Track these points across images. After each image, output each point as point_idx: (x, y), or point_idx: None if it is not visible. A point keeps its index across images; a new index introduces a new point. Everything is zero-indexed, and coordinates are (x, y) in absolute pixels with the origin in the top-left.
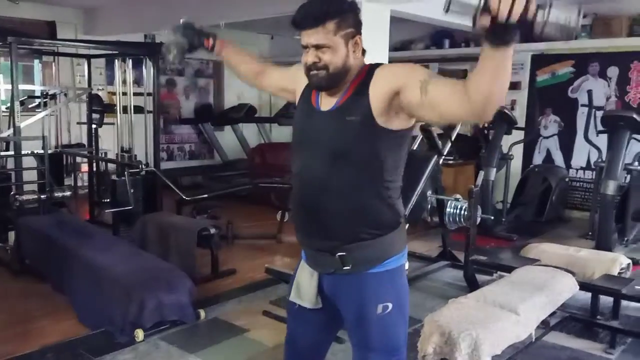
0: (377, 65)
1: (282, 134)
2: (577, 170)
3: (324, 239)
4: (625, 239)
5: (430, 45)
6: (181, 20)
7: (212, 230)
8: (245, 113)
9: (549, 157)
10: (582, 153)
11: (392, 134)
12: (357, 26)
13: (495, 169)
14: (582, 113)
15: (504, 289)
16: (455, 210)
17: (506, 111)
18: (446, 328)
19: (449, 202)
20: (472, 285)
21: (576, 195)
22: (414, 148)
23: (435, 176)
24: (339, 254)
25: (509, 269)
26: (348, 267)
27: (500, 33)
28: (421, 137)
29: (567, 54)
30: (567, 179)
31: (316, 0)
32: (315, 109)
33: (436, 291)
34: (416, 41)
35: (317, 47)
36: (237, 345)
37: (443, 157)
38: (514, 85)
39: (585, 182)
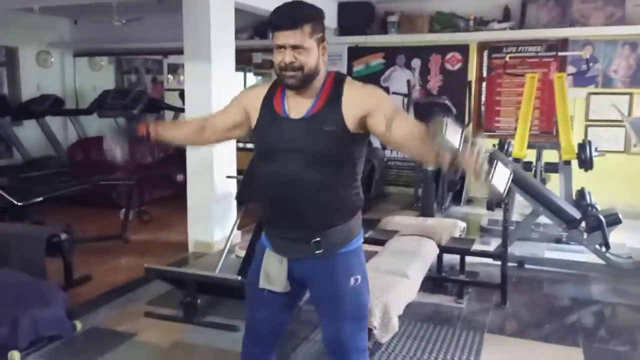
0: (343, 77)
1: (96, 127)
2: (391, 150)
3: (300, 229)
4: (443, 207)
5: (254, 35)
6: (111, 128)
7: (63, 236)
8: (51, 105)
9: None
10: None
11: (361, 136)
12: (324, 32)
13: None
14: (393, 100)
15: (388, 258)
16: None
17: None
18: None
19: None
20: None
21: (392, 173)
22: None
23: None
24: (315, 240)
25: (382, 242)
26: (320, 251)
27: (450, 169)
28: None
29: (378, 47)
30: (385, 159)
31: (292, 4)
32: (283, 116)
33: None
34: (239, 31)
35: (294, 47)
36: (129, 352)
37: None
38: None
39: (398, 161)
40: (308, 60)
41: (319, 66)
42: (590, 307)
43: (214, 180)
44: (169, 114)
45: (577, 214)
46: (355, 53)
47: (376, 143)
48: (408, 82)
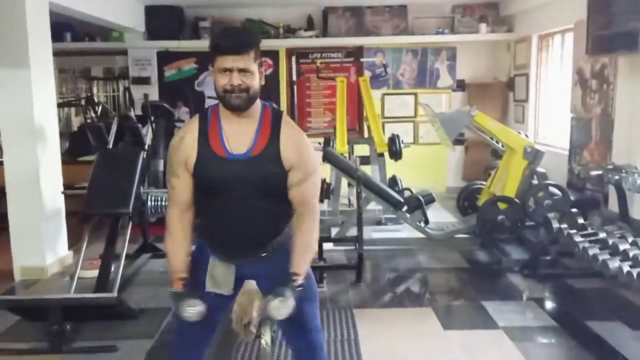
0: (280, 113)
1: None
2: None
3: (250, 247)
4: None
5: None
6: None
7: None
8: None
9: None
10: None
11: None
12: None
13: (162, 160)
14: (209, 104)
15: None
16: (156, 203)
17: (165, 105)
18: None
19: (149, 196)
20: None
21: None
22: (115, 146)
23: (142, 172)
24: (261, 248)
25: None
26: (265, 254)
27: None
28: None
29: (189, 52)
30: None
31: (235, 31)
32: (225, 156)
33: (162, 280)
34: None
35: (242, 71)
36: None
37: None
38: (145, 80)
39: None
40: (253, 83)
41: (258, 88)
42: (422, 273)
43: (42, 196)
44: None
45: (400, 198)
46: (165, 58)
47: None
48: None
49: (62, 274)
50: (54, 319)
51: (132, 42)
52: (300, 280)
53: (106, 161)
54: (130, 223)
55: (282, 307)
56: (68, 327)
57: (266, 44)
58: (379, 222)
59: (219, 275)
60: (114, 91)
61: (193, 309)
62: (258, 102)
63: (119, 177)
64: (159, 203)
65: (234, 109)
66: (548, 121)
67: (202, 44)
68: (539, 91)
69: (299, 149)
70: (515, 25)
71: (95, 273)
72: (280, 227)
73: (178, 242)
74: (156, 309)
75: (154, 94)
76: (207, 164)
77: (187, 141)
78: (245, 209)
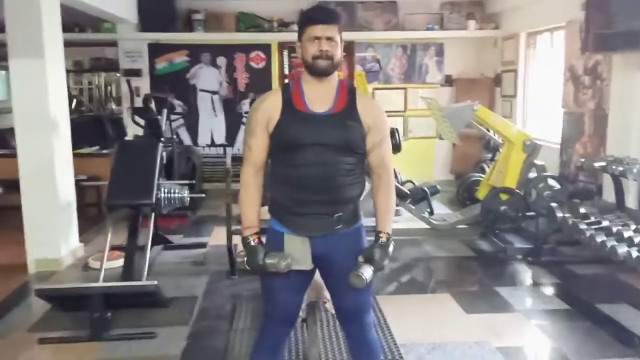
0: (353, 86)
1: None
2: (203, 147)
3: (327, 205)
4: None
5: None
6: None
7: None
8: None
9: (179, 139)
10: (206, 132)
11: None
12: None
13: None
14: (201, 98)
15: None
16: (170, 194)
17: (167, 97)
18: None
19: (163, 188)
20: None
21: (207, 170)
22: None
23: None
24: (337, 214)
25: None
26: (340, 226)
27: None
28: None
29: (181, 44)
30: (202, 157)
31: (324, 7)
32: (308, 113)
33: (180, 270)
34: None
35: (329, 39)
36: None
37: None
38: (136, 73)
39: (211, 157)
40: (337, 51)
41: (340, 60)
42: (432, 262)
43: (56, 188)
44: None
45: (406, 190)
46: (156, 50)
47: (186, 140)
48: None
49: (76, 265)
50: (96, 307)
51: (123, 34)
52: (385, 237)
53: (126, 152)
54: (153, 214)
55: (367, 271)
56: (109, 315)
57: (258, 37)
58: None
59: (297, 250)
60: (89, 83)
61: (282, 261)
62: (336, 74)
63: (139, 168)
64: (171, 195)
65: (320, 72)
66: (536, 116)
67: (195, 37)
68: (526, 87)
69: (375, 112)
70: (502, 23)
71: (114, 264)
72: (354, 193)
73: (252, 196)
74: (184, 298)
75: (145, 86)
76: (290, 120)
77: (270, 102)
78: (323, 166)
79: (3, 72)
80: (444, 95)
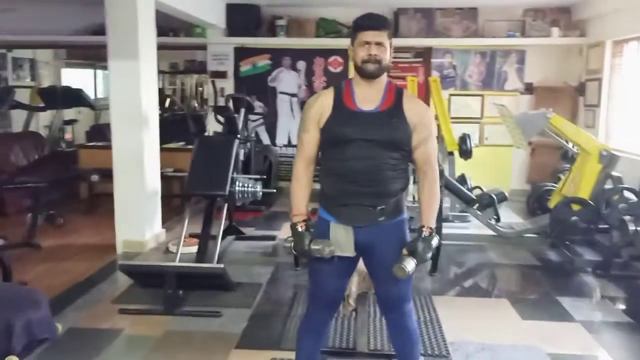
0: (401, 89)
1: None
2: (280, 147)
3: (370, 197)
4: None
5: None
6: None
7: (1, 242)
8: None
9: (258, 138)
10: (284, 133)
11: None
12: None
13: (243, 151)
14: (281, 100)
15: None
16: (244, 188)
17: (247, 98)
18: (363, 270)
19: (237, 181)
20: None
21: (282, 168)
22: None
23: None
24: (380, 207)
25: None
26: (382, 218)
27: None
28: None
29: (264, 48)
30: (278, 156)
31: (376, 14)
32: (356, 110)
33: (249, 259)
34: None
35: (378, 44)
36: (127, 345)
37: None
38: (222, 75)
39: (288, 157)
40: (385, 56)
41: (388, 65)
42: (494, 268)
43: (144, 177)
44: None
45: (472, 196)
46: (242, 53)
47: (265, 140)
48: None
49: (158, 249)
50: (169, 284)
51: (212, 38)
52: (428, 231)
53: (205, 147)
54: (226, 205)
55: (410, 263)
56: (181, 292)
57: (337, 42)
58: (445, 220)
59: (341, 237)
60: (182, 84)
61: (326, 247)
62: (385, 76)
63: (216, 162)
64: (245, 188)
65: (369, 75)
66: (620, 126)
67: (277, 42)
68: (611, 96)
69: (420, 112)
70: (588, 30)
71: (190, 249)
72: (397, 187)
73: (303, 187)
74: (250, 284)
75: (229, 88)
76: (340, 117)
77: (323, 100)
78: (369, 160)
79: (105, 71)
80: (524, 103)
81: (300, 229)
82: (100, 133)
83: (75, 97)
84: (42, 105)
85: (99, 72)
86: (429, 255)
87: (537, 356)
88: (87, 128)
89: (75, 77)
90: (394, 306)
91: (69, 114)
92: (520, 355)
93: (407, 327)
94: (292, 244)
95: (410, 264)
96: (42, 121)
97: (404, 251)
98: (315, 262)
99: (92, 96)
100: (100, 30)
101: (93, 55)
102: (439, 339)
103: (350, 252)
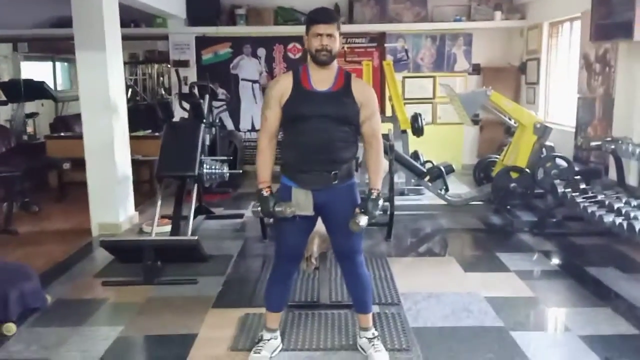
0: (349, 73)
1: None
2: (244, 132)
3: (326, 164)
4: None
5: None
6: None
7: None
8: None
9: (222, 123)
10: (247, 118)
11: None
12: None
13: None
14: (243, 86)
15: None
16: (211, 169)
17: (211, 85)
18: (323, 232)
19: (205, 163)
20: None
21: (247, 152)
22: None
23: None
24: (334, 171)
25: None
26: (336, 182)
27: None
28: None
29: (225, 37)
30: (243, 141)
31: (326, 9)
32: (312, 90)
33: (220, 235)
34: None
35: (329, 36)
36: (113, 310)
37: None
38: (185, 63)
39: (251, 141)
40: (335, 45)
41: (337, 52)
42: (444, 233)
43: (115, 163)
44: None
45: (423, 169)
46: (203, 42)
47: (229, 125)
48: None
49: (132, 230)
50: (148, 256)
51: (173, 28)
52: (376, 192)
53: (173, 132)
54: (196, 185)
55: (362, 219)
56: (159, 263)
57: (295, 29)
58: (401, 193)
59: (301, 199)
60: (143, 74)
61: (288, 208)
62: (335, 61)
63: (184, 145)
64: (213, 170)
65: (321, 63)
66: (557, 101)
67: (237, 30)
68: (548, 74)
69: (366, 92)
70: (527, 13)
71: (164, 229)
72: (348, 155)
73: (267, 158)
74: (222, 256)
75: (192, 76)
76: (298, 97)
77: (283, 81)
78: (324, 133)
79: (65, 63)
80: (472, 83)
81: (265, 194)
82: (64, 124)
83: (37, 90)
84: (3, 99)
85: (58, 64)
86: (377, 212)
87: (476, 299)
88: (51, 120)
89: (35, 70)
90: (347, 256)
91: (29, 107)
92: (461, 299)
93: (359, 273)
94: (259, 207)
95: (363, 220)
96: (4, 115)
97: (357, 210)
98: (280, 223)
99: (52, 88)
100: (61, 23)
101: (52, 47)
102: (392, 290)
103: (309, 211)
